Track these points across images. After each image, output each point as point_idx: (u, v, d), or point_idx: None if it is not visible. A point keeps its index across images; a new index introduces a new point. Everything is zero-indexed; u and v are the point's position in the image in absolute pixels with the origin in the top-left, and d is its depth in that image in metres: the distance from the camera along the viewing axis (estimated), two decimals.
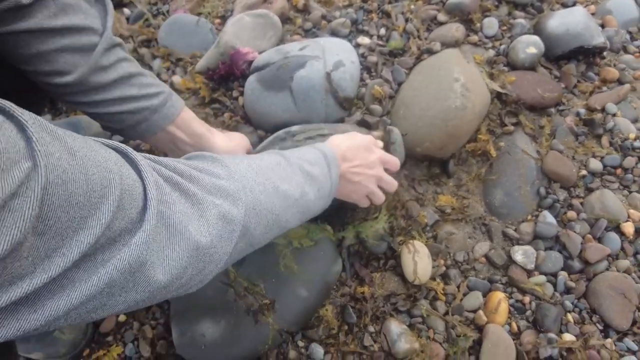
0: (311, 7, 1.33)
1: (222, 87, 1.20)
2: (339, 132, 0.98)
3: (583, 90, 1.17)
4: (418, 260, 0.96)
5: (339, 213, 1.05)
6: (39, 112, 1.04)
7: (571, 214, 1.02)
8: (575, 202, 1.04)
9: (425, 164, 1.12)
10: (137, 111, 0.81)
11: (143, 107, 0.81)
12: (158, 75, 1.24)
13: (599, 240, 1.00)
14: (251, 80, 1.13)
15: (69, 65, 0.72)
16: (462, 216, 1.06)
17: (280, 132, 1.01)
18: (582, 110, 1.13)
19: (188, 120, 0.88)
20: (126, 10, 1.38)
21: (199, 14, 1.34)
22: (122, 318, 0.99)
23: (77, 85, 0.73)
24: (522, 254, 0.99)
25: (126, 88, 0.79)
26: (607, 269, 0.97)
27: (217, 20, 1.33)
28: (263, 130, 1.14)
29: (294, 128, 1.00)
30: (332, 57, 1.11)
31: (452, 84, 1.07)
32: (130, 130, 0.84)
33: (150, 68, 1.27)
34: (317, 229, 0.99)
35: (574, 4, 1.31)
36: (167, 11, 1.36)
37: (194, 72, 1.20)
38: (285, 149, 0.96)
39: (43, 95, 1.08)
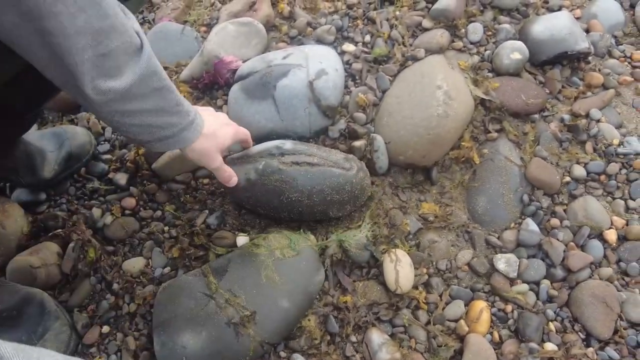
0: (296, 14, 1.33)
1: (207, 96, 1.20)
2: (331, 160, 0.98)
3: (567, 96, 1.17)
4: (400, 270, 0.96)
5: (322, 222, 1.05)
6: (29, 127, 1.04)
7: (554, 221, 1.02)
8: (559, 209, 1.04)
9: (409, 171, 1.12)
10: (167, 126, 0.74)
11: (174, 123, 0.74)
12: None
13: (582, 247, 1.00)
14: (235, 89, 1.13)
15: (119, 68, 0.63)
16: (445, 224, 1.06)
17: (272, 146, 1.00)
18: (567, 116, 1.13)
19: None
20: None
21: (184, 22, 1.35)
22: (105, 329, 0.99)
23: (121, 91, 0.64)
24: (504, 262, 0.99)
25: (160, 100, 0.70)
26: (589, 277, 0.97)
27: (203, 28, 1.33)
28: None
29: (287, 145, 1.00)
30: (316, 65, 1.11)
31: (435, 91, 1.07)
32: (155, 143, 0.76)
33: None
34: (299, 239, 0.99)
35: (559, 9, 1.31)
36: (153, 19, 1.36)
37: (178, 81, 1.20)
38: (270, 166, 0.96)
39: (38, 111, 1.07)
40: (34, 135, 1.12)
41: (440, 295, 0.98)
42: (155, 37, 1.27)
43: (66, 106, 1.25)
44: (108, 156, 1.17)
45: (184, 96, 1.16)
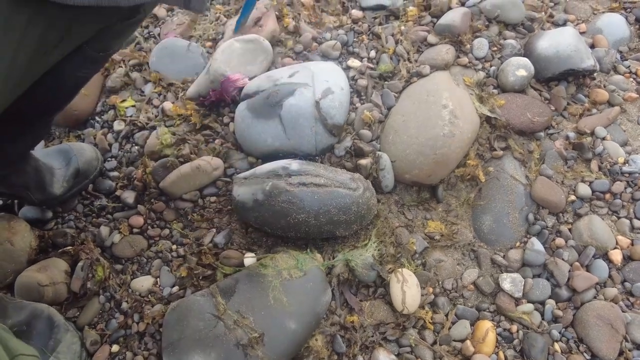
0: (302, 29, 1.33)
1: (213, 113, 1.20)
2: (337, 180, 0.99)
3: (573, 113, 1.18)
4: (407, 290, 0.97)
5: (329, 240, 1.06)
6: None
7: (559, 241, 1.03)
8: (564, 228, 1.04)
9: (415, 189, 1.13)
10: None
11: None
12: (150, 100, 1.25)
13: (587, 268, 1.00)
14: (241, 108, 1.14)
15: None
16: (451, 242, 1.06)
17: (279, 167, 1.01)
18: (572, 134, 1.14)
19: None
20: None
21: (190, 37, 1.35)
22: (115, 349, 1.00)
23: None
24: (510, 282, 1.00)
25: None
26: (594, 297, 0.97)
27: (209, 44, 1.33)
28: (254, 157, 1.14)
29: (293, 166, 1.01)
30: (322, 84, 1.11)
31: (440, 110, 1.08)
32: None
33: (142, 92, 1.28)
34: (306, 259, 1.00)
35: (564, 23, 1.31)
36: (159, 34, 1.36)
37: (185, 99, 1.21)
38: (277, 188, 0.97)
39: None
40: (40, 153, 1.13)
41: (447, 315, 0.99)
42: (161, 54, 1.28)
43: (73, 122, 1.26)
44: (115, 173, 1.18)
45: (191, 114, 1.18)
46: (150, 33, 1.38)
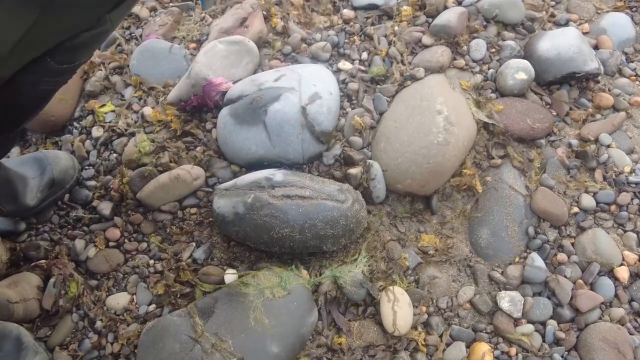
0: (291, 30, 1.26)
1: (195, 118, 1.14)
2: (324, 192, 0.93)
3: (576, 119, 1.11)
4: (398, 310, 0.91)
5: (316, 255, 0.99)
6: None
7: (561, 256, 0.96)
8: (566, 242, 0.98)
9: (408, 199, 1.06)
10: None
11: None
12: (129, 105, 1.19)
13: (592, 286, 0.94)
14: (224, 113, 1.07)
15: None
16: (446, 257, 1.00)
17: (262, 177, 0.95)
18: (575, 141, 1.07)
19: None
20: None
21: (173, 39, 1.28)
22: None
23: None
24: (508, 301, 0.93)
25: None
26: (600, 318, 0.91)
27: (192, 45, 1.27)
28: (237, 166, 1.08)
29: (277, 177, 0.94)
30: (309, 88, 1.05)
31: (435, 117, 1.01)
32: None
33: (122, 97, 1.21)
34: (290, 277, 0.93)
35: (566, 23, 1.25)
36: (140, 36, 1.30)
37: (165, 103, 1.15)
38: (260, 200, 0.91)
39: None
40: (14, 161, 1.07)
41: (441, 336, 0.93)
42: (142, 57, 1.21)
43: (50, 128, 1.20)
44: (92, 182, 1.12)
45: (171, 119, 1.12)
46: (132, 34, 1.32)
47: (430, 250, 1.00)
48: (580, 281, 0.94)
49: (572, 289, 0.93)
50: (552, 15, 1.26)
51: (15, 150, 1.21)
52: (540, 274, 0.95)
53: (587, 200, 1.01)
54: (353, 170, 1.03)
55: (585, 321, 0.91)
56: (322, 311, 0.95)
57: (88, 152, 1.17)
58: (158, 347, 0.89)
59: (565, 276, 0.94)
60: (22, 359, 0.90)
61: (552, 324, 0.92)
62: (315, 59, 1.22)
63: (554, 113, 1.12)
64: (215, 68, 1.12)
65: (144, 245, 1.04)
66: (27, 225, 1.08)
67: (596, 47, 1.21)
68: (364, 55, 1.21)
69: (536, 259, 0.96)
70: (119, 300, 0.99)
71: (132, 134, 1.14)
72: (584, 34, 1.22)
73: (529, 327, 0.92)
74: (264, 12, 1.29)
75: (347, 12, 1.28)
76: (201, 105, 1.12)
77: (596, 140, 1.07)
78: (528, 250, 0.99)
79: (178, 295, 0.97)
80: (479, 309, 0.95)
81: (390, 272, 0.97)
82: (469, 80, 1.14)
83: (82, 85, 1.24)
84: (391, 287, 0.94)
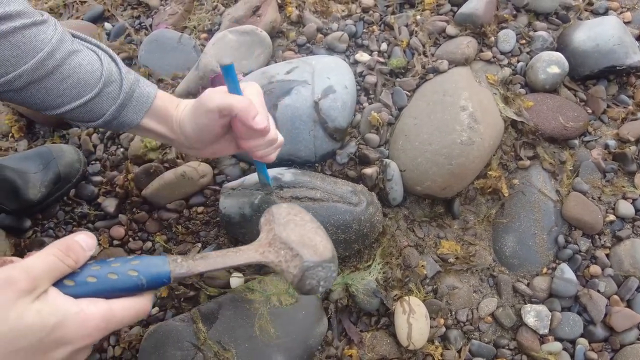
0: (306, 19, 1.20)
1: None
2: (336, 194, 0.86)
3: (614, 117, 1.02)
4: (413, 322, 0.84)
5: None
6: None
7: (594, 268, 0.88)
8: (600, 253, 0.90)
9: (427, 202, 0.99)
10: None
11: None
12: None
13: (628, 303, 0.85)
14: None
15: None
16: (468, 266, 0.93)
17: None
18: (612, 142, 0.98)
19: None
20: (107, 25, 1.27)
21: (183, 28, 1.23)
22: None
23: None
24: (534, 316, 0.86)
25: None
26: (638, 339, 0.83)
27: (204, 35, 1.21)
28: (246, 163, 1.02)
29: (286, 177, 0.88)
30: (323, 81, 0.98)
31: (458, 113, 0.93)
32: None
33: None
34: None
35: (605, 12, 1.15)
36: (150, 25, 1.25)
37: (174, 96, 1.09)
38: (267, 202, 0.85)
39: None
40: (14, 158, 1.04)
41: (459, 352, 0.86)
42: (151, 47, 1.16)
43: (57, 121, 1.16)
44: (98, 178, 1.08)
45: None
46: (142, 24, 1.27)
47: (450, 258, 0.93)
48: (616, 297, 0.85)
49: (607, 305, 0.85)
50: (590, 4, 1.16)
51: (23, 143, 1.18)
52: (570, 287, 0.87)
53: (625, 207, 0.92)
54: (368, 170, 0.96)
55: (620, 342, 0.83)
56: (332, 320, 0.89)
57: (95, 146, 1.13)
58: (159, 354, 0.85)
59: (598, 291, 0.86)
60: None
61: (582, 343, 0.84)
62: (331, 50, 1.15)
63: (590, 111, 1.03)
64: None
65: (149, 244, 1.00)
66: (32, 222, 1.05)
67: (639, 38, 1.11)
68: (384, 46, 1.13)
69: (566, 271, 0.88)
70: None
71: None
72: (626, 23, 1.11)
73: (557, 345, 0.84)
74: (278, 1, 1.22)
75: (366, 0, 1.20)
76: None
77: (637, 141, 0.98)
78: (557, 261, 0.91)
79: (182, 299, 0.92)
80: (502, 323, 0.88)
81: (406, 280, 0.90)
82: (496, 74, 1.06)
83: None
84: (407, 298, 0.87)
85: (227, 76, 0.57)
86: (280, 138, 0.68)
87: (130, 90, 0.66)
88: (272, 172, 0.91)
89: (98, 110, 0.66)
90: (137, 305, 0.49)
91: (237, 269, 0.94)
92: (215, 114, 0.59)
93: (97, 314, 0.44)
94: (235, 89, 0.59)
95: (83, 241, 0.49)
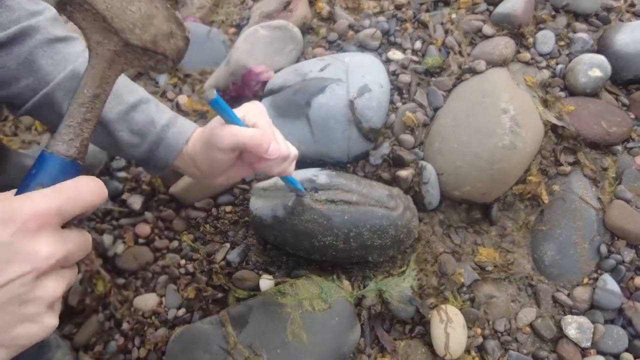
0: (337, 15, 1.17)
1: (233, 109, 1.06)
2: (373, 197, 0.83)
3: None
4: (451, 332, 0.81)
5: (360, 264, 0.91)
6: None
7: (639, 280, 0.85)
8: None
9: (464, 207, 0.96)
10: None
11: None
12: (164, 93, 1.12)
13: None
14: (264, 104, 0.99)
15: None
16: (506, 275, 0.90)
17: (304, 179, 0.85)
18: None
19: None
20: None
21: (211, 22, 1.20)
22: None
23: None
24: (576, 327, 0.83)
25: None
26: None
27: (232, 30, 1.19)
28: None
29: (321, 179, 0.85)
30: (357, 79, 0.95)
31: (500, 116, 0.90)
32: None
33: (157, 83, 1.14)
34: (332, 288, 0.85)
35: None
36: None
37: (201, 92, 1.07)
38: (301, 204, 0.82)
39: None
40: (38, 151, 1.01)
41: None
42: None
43: None
44: (123, 174, 1.05)
45: (207, 110, 1.04)
46: None
47: (488, 266, 0.90)
48: None
49: None
50: (632, 5, 1.12)
51: (46, 137, 1.16)
52: (613, 299, 0.84)
53: None
54: (403, 173, 0.93)
55: None
56: (364, 327, 0.87)
57: None
58: (187, 357, 0.82)
59: None
60: (45, 355, 0.86)
61: (627, 358, 0.81)
62: (362, 47, 1.12)
63: (633, 116, 0.99)
64: (257, 55, 1.03)
65: (175, 243, 0.98)
66: None
67: None
68: (417, 44, 1.10)
69: (609, 282, 0.85)
70: (147, 301, 0.93)
71: None
72: None
73: (600, 359, 0.81)
74: None
75: None
76: (240, 96, 1.04)
77: None
78: (599, 271, 0.88)
79: (210, 301, 0.90)
80: (541, 335, 0.85)
81: (442, 288, 0.88)
82: (535, 76, 1.03)
83: None
84: (444, 306, 0.84)
85: (217, 109, 0.52)
86: (294, 151, 0.65)
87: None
88: (305, 173, 0.88)
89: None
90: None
91: (266, 270, 0.92)
92: (228, 152, 0.56)
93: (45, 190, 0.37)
94: (233, 119, 0.55)
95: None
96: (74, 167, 0.41)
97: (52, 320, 0.37)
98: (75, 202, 0.37)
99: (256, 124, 0.57)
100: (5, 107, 0.64)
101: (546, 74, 1.03)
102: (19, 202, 0.35)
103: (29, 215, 0.34)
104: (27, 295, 0.35)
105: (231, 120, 0.54)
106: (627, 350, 0.82)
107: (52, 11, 0.61)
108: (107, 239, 0.98)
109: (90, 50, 0.43)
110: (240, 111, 0.58)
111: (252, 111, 0.59)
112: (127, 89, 0.64)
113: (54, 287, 0.36)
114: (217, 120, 0.57)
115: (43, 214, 0.35)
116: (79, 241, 0.39)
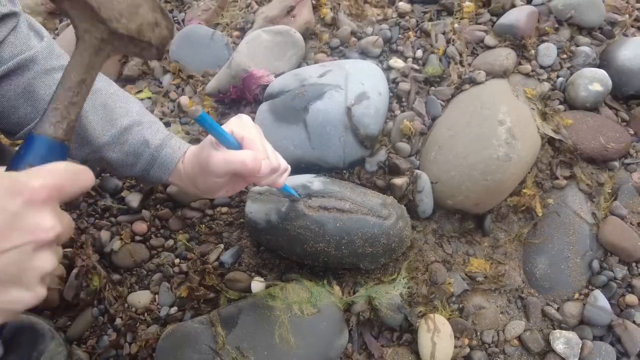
0: (340, 22, 1.17)
1: (233, 112, 1.07)
2: (366, 206, 0.84)
3: None
4: (438, 341, 0.82)
5: (351, 271, 0.91)
6: None
7: (631, 298, 0.85)
8: (637, 282, 0.86)
9: (457, 217, 0.96)
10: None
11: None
12: (166, 93, 1.13)
13: None
14: (263, 108, 1.00)
15: None
16: (496, 286, 0.90)
17: (298, 184, 0.87)
18: None
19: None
20: None
21: (216, 25, 1.22)
22: None
23: None
24: (564, 342, 0.83)
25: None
26: None
27: (236, 33, 1.20)
28: None
29: (315, 185, 0.86)
30: (356, 86, 0.96)
31: (496, 127, 0.90)
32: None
33: (160, 84, 1.16)
34: (322, 293, 0.86)
35: None
36: (183, 20, 1.24)
37: (203, 94, 1.08)
38: (294, 210, 0.83)
39: None
40: None
41: None
42: (182, 42, 1.15)
43: None
44: None
45: (208, 111, 1.05)
46: (175, 18, 1.26)
47: (478, 277, 0.90)
48: None
49: None
50: (637, 19, 1.11)
51: None
52: (603, 315, 0.83)
53: None
54: (398, 181, 0.94)
55: None
56: (353, 332, 0.87)
57: None
58: (176, 355, 0.83)
59: (634, 322, 0.83)
60: (39, 345, 0.87)
61: None
62: (364, 54, 1.13)
63: (632, 132, 0.99)
64: (258, 59, 1.04)
65: (171, 242, 0.99)
66: None
67: None
68: (419, 53, 1.10)
69: (599, 298, 0.85)
70: (140, 298, 0.94)
71: (167, 124, 1.08)
72: None
73: None
74: (313, 2, 1.20)
75: (403, 5, 1.17)
76: (240, 98, 1.06)
77: None
78: (590, 287, 0.88)
79: (202, 300, 0.91)
80: (529, 348, 0.85)
81: (432, 297, 0.88)
82: (535, 89, 1.03)
83: (119, 70, 1.19)
84: (432, 315, 0.85)
85: (204, 125, 0.52)
86: (284, 164, 0.67)
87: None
88: (300, 179, 0.89)
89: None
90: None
91: (259, 272, 0.93)
92: (222, 176, 0.59)
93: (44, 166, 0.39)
94: (223, 137, 0.56)
95: None
96: (62, 148, 0.43)
97: (43, 291, 0.39)
98: (74, 182, 0.39)
99: (244, 138, 0.58)
100: (1, 132, 0.66)
101: (546, 86, 1.03)
102: (27, 176, 0.37)
103: (37, 188, 0.36)
104: (26, 263, 0.37)
105: (219, 135, 0.55)
106: None
107: (48, 42, 0.63)
108: (104, 235, 1.00)
109: (78, 38, 0.44)
110: (228, 126, 0.59)
111: (240, 124, 0.60)
112: (120, 112, 0.66)
113: (49, 260, 0.38)
114: (209, 139, 0.58)
115: (50, 188, 0.37)
116: (68, 222, 0.41)
